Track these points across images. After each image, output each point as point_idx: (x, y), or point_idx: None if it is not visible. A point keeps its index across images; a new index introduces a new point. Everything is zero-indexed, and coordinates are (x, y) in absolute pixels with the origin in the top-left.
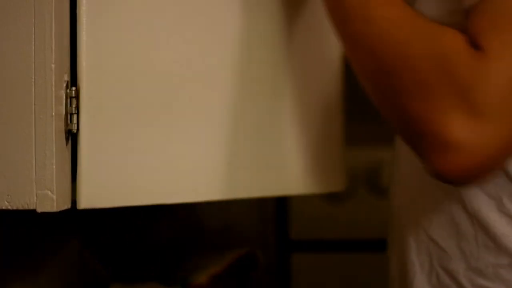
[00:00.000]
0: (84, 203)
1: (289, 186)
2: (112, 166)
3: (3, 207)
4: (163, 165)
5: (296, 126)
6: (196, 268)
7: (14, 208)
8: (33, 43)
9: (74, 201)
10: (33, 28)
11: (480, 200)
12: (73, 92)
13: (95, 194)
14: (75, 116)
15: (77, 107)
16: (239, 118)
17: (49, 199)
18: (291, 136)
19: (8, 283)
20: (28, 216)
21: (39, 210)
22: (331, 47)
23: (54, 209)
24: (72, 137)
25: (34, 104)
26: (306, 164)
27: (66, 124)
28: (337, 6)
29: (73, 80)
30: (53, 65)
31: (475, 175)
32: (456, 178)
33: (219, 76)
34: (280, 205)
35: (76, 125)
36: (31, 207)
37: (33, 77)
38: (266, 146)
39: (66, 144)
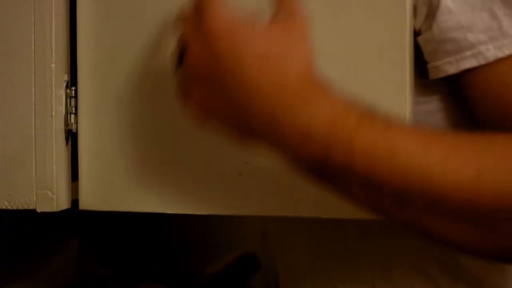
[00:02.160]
0: (85, 204)
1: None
2: (113, 167)
3: (3, 207)
4: (166, 169)
5: None
6: (196, 268)
7: (14, 208)
8: (33, 43)
9: (74, 201)
10: (33, 28)
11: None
12: (73, 92)
13: (97, 196)
14: (75, 116)
15: (77, 107)
16: None
17: (49, 199)
18: None
19: (8, 283)
20: (28, 216)
21: (39, 210)
22: None
23: (54, 209)
24: (72, 137)
25: (34, 104)
26: None
27: (66, 124)
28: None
29: (73, 80)
30: (53, 65)
31: None
32: None
33: None
34: None
35: (76, 125)
36: (31, 207)
37: (33, 77)
38: None
39: (66, 144)
